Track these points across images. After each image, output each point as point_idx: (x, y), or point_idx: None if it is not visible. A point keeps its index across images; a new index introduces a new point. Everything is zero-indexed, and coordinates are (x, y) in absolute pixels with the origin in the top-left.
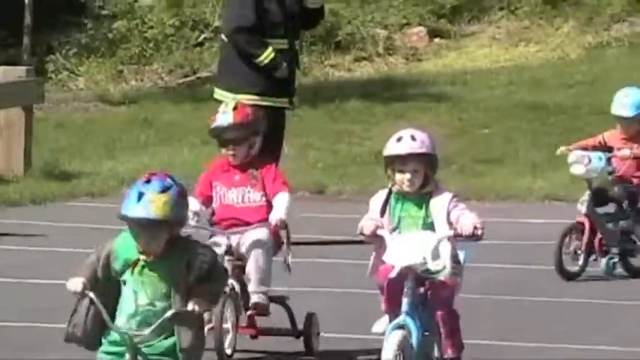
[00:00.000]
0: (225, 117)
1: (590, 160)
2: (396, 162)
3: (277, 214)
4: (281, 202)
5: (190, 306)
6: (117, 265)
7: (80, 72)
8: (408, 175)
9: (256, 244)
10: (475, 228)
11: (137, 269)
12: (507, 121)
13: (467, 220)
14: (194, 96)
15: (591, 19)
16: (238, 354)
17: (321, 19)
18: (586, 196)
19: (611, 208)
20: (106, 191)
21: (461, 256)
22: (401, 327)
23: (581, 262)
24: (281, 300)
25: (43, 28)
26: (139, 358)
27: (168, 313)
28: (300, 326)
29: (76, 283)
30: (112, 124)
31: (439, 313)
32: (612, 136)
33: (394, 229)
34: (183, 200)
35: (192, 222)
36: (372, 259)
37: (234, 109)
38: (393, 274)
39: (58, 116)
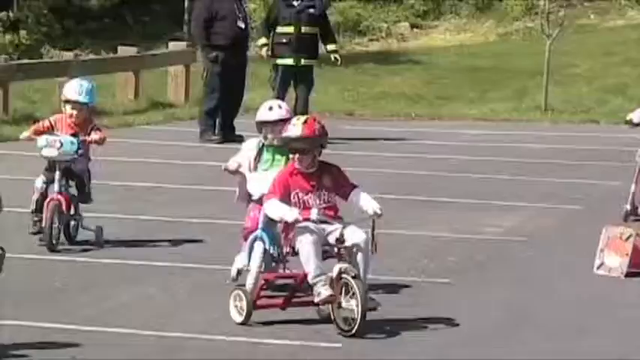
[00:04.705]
0: (295, 129)
1: (62, 144)
2: (270, 124)
3: (376, 204)
4: (368, 197)
5: None
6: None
7: None
8: (278, 136)
9: (365, 250)
10: None
11: None
12: (456, 75)
13: None
14: None
15: (502, 19)
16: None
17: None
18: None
19: None
20: None
21: None
22: (259, 239)
23: None
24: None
25: None
26: None
27: None
28: None
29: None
30: None
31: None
32: (59, 120)
33: (265, 170)
34: None
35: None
36: (238, 190)
37: (304, 122)
38: (255, 198)
39: None
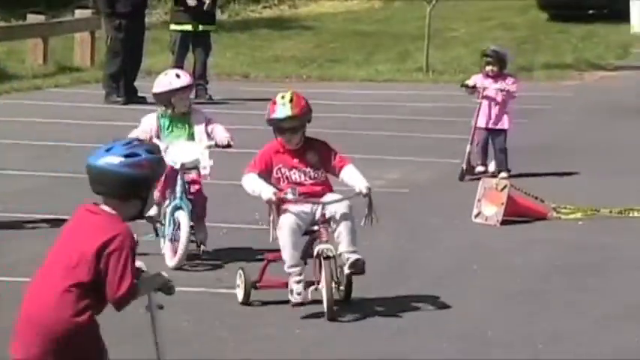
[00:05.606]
0: (284, 109)
1: None
2: (179, 91)
3: (364, 182)
4: (357, 173)
5: None
6: None
7: None
8: (186, 102)
9: (346, 215)
10: (229, 140)
11: None
12: (343, 39)
13: (221, 134)
14: None
15: None
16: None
17: None
18: None
19: None
20: None
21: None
22: (179, 208)
23: None
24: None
25: None
26: None
27: None
28: None
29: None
30: None
31: (195, 198)
32: None
33: (168, 139)
34: None
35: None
36: None
37: (291, 100)
38: (177, 167)
39: None
